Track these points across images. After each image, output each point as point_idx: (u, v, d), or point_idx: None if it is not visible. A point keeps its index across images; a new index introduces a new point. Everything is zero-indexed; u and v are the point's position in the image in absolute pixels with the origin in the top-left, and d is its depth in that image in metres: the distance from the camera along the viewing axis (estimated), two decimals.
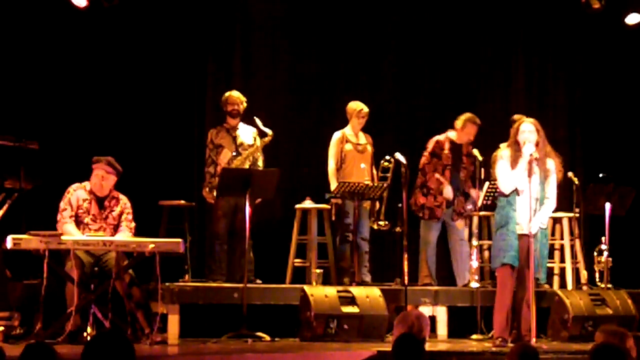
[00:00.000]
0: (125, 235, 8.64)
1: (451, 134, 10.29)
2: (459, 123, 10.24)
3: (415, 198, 10.27)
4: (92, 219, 8.67)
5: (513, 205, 8.44)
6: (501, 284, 8.54)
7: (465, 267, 10.29)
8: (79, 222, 8.65)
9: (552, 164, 8.60)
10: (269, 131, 9.78)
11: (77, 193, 8.69)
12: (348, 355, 8.08)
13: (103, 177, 8.67)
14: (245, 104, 10.02)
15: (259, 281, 9.82)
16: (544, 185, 8.53)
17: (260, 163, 9.98)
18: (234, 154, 9.91)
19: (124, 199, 8.83)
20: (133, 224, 8.77)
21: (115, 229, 8.72)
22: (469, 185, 10.31)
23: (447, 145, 10.26)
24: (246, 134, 10.02)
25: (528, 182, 8.38)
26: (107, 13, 10.14)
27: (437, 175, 10.20)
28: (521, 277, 8.49)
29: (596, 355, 4.87)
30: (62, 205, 8.65)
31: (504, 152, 8.58)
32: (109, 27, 10.41)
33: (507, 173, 8.45)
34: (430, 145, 10.28)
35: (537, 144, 8.46)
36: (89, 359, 4.21)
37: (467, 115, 10.26)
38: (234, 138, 9.98)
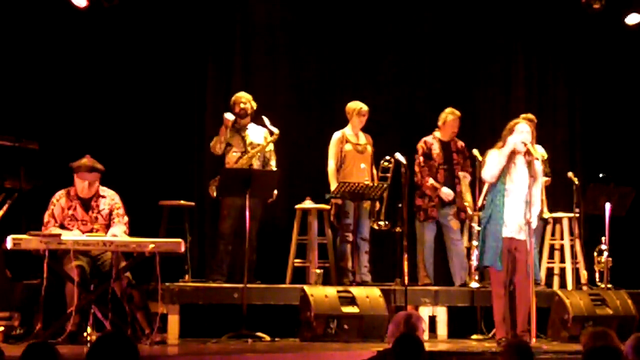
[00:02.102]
0: (119, 229, 8.56)
1: (437, 134, 10.39)
2: (439, 121, 10.40)
3: (414, 200, 10.31)
4: (82, 223, 8.59)
5: (499, 207, 8.41)
6: (494, 285, 8.53)
7: (461, 267, 10.35)
8: (69, 230, 8.53)
9: (540, 166, 8.62)
10: (275, 130, 9.78)
11: (60, 202, 8.58)
12: (348, 355, 8.08)
13: (90, 183, 8.58)
14: (253, 104, 10.02)
15: (258, 282, 9.82)
16: (532, 189, 8.49)
17: (273, 163, 9.98)
18: (242, 153, 9.91)
19: (110, 194, 8.70)
20: (126, 218, 8.67)
21: (108, 227, 8.60)
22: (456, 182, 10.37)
23: (436, 145, 10.33)
24: (257, 133, 10.01)
25: (527, 184, 8.38)
26: (107, 13, 10.14)
27: (430, 181, 10.24)
28: (518, 280, 8.46)
29: (592, 356, 4.87)
30: (45, 217, 8.56)
31: (493, 150, 8.59)
32: (109, 27, 10.41)
33: (491, 163, 8.47)
34: (420, 147, 10.35)
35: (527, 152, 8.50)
36: None
37: (446, 110, 10.37)
38: (243, 138, 9.98)
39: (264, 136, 9.99)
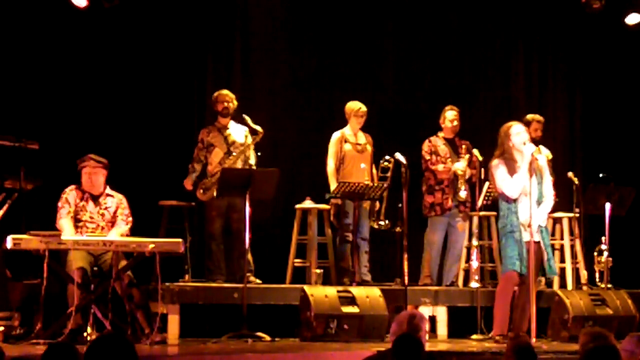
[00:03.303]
0: (120, 228, 8.66)
1: (441, 134, 10.43)
2: (440, 119, 10.46)
3: (424, 201, 10.34)
4: (90, 217, 8.69)
5: (516, 213, 8.46)
6: (505, 285, 8.56)
7: (452, 269, 10.41)
8: (77, 221, 8.66)
9: (544, 159, 8.64)
10: (259, 129, 9.77)
11: (72, 193, 8.74)
12: (348, 355, 8.07)
13: (91, 172, 8.69)
14: (235, 102, 10.02)
15: (258, 281, 9.82)
16: (541, 186, 8.55)
17: (252, 161, 9.96)
18: (225, 153, 9.91)
19: (118, 195, 8.85)
20: (130, 218, 8.79)
21: (114, 225, 8.73)
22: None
23: (440, 142, 10.38)
24: (238, 132, 10.00)
25: (530, 184, 8.40)
26: (107, 13, 10.15)
27: (441, 167, 10.26)
28: (526, 281, 8.50)
29: (591, 356, 4.87)
30: (59, 204, 8.69)
31: (496, 160, 8.59)
32: (109, 27, 10.41)
33: (508, 178, 8.46)
34: (426, 146, 10.37)
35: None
36: None
37: (445, 108, 10.47)
38: (226, 137, 9.97)
39: (245, 134, 9.98)
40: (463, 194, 10.19)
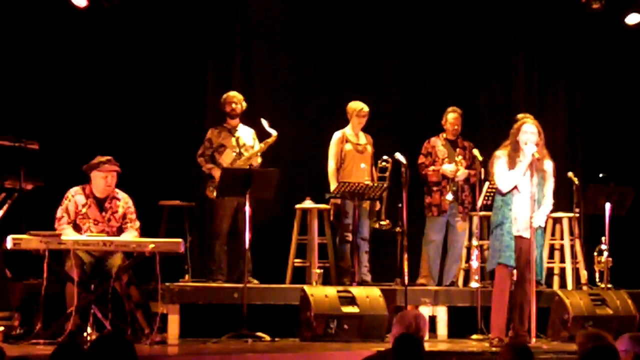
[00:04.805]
0: (130, 235, 8.59)
1: (444, 134, 10.48)
2: (442, 120, 10.51)
3: (424, 200, 10.38)
4: (94, 222, 8.59)
5: (510, 205, 8.48)
6: (499, 284, 8.56)
7: (450, 268, 10.41)
8: (80, 228, 8.57)
9: (550, 166, 8.65)
10: (273, 132, 9.79)
11: (75, 198, 8.59)
12: (348, 355, 8.08)
13: (113, 176, 8.60)
14: (244, 104, 10.04)
15: (255, 281, 9.81)
16: (542, 187, 8.56)
17: (259, 160, 9.97)
18: (236, 154, 9.92)
19: (124, 197, 8.75)
20: (138, 224, 8.73)
21: (119, 230, 8.64)
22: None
23: (439, 143, 10.41)
24: (246, 134, 10.03)
25: (530, 183, 8.41)
26: (107, 13, 10.15)
27: (432, 168, 10.29)
28: (520, 279, 8.52)
29: (590, 356, 4.87)
30: (59, 212, 8.57)
31: (500, 151, 8.61)
32: (109, 27, 10.41)
33: (505, 172, 8.48)
34: (423, 147, 10.43)
35: (536, 145, 8.51)
36: None
37: (447, 109, 10.53)
38: (237, 139, 9.99)
39: (252, 137, 10.02)
40: (449, 197, 10.23)
